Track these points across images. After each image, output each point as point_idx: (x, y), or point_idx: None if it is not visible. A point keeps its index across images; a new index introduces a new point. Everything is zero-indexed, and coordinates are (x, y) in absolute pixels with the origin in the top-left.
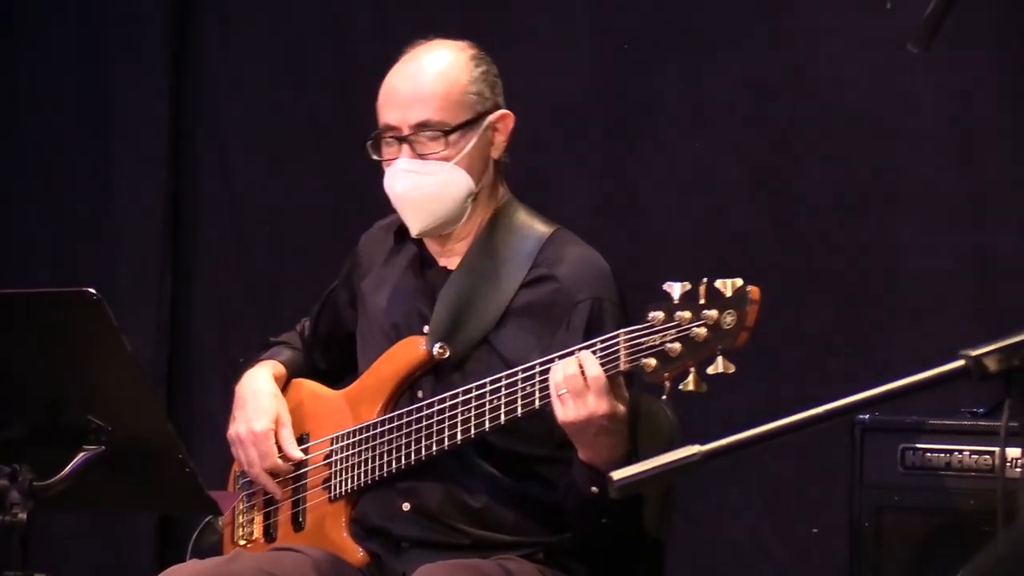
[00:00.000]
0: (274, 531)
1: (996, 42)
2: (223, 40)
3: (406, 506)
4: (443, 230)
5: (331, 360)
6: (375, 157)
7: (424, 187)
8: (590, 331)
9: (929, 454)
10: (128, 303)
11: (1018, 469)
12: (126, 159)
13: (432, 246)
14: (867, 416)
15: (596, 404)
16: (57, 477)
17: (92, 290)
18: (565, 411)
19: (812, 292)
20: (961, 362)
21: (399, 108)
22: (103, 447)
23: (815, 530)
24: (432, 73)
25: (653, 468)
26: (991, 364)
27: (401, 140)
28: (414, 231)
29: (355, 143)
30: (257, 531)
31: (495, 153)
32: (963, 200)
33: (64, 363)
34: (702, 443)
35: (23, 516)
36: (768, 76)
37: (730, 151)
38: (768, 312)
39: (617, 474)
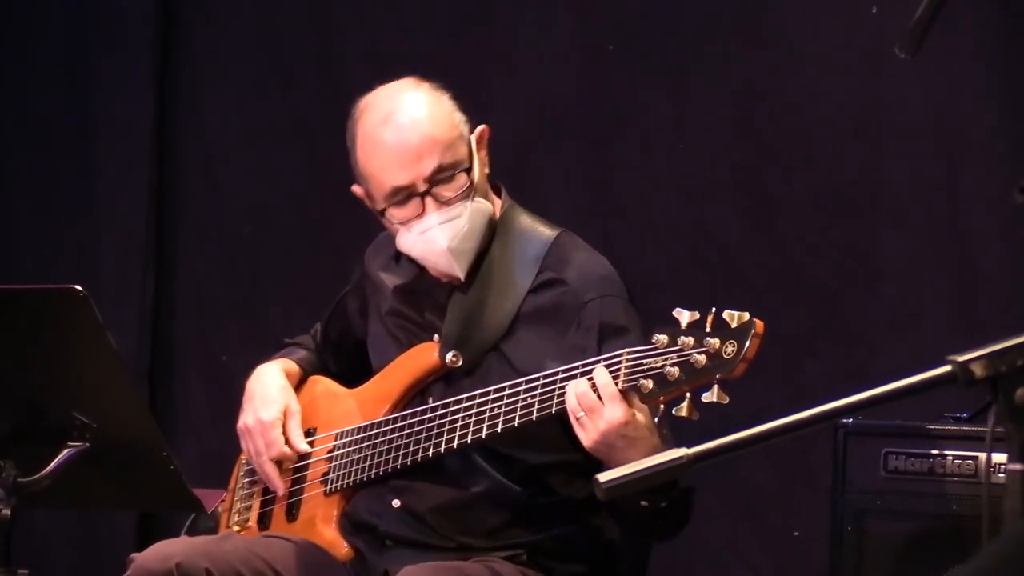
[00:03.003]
0: (268, 520)
1: (981, 47)
2: (208, 39)
3: (396, 503)
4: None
5: (341, 364)
6: (394, 226)
7: (462, 230)
8: (604, 327)
9: (912, 459)
10: (111, 300)
11: (1002, 475)
12: (111, 157)
13: None
14: (850, 420)
15: (611, 414)
16: (41, 473)
17: (78, 287)
18: (588, 433)
19: (793, 296)
20: (948, 368)
21: (406, 167)
22: (87, 444)
23: (796, 533)
24: (420, 120)
25: (640, 470)
26: (978, 370)
27: (422, 196)
28: (462, 275)
29: (339, 143)
30: (252, 518)
31: (487, 168)
32: (945, 205)
33: (49, 360)
34: (687, 446)
35: (7, 512)
36: (752, 80)
37: (714, 154)
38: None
39: (603, 476)
